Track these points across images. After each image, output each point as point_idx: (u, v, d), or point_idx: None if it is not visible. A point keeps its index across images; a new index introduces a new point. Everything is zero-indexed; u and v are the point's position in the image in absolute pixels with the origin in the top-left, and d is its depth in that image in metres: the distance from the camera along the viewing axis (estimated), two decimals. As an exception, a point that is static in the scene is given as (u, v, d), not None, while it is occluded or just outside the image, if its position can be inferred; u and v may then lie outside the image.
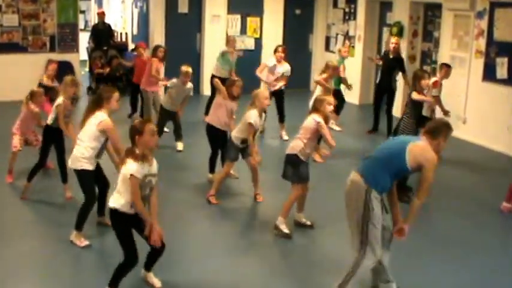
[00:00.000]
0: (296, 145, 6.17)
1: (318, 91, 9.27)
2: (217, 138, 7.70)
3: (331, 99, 6.29)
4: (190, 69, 9.06)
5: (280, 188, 6.89)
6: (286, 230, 6.17)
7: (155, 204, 4.84)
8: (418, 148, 4.60)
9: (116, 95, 5.84)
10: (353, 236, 4.72)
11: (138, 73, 11.10)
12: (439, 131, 4.70)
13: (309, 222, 6.48)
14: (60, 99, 6.86)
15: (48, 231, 6.30)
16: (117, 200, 4.70)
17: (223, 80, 9.08)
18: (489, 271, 5.62)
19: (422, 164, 4.55)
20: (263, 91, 7.30)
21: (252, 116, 6.83)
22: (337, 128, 11.22)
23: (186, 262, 5.63)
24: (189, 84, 9.13)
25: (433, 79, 8.98)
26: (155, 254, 4.95)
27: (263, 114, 7.13)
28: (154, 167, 4.77)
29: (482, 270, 5.62)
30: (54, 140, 7.03)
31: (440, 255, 5.89)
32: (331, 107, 6.21)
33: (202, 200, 7.22)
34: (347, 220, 4.81)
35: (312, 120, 6.08)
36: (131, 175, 4.55)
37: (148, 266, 5.08)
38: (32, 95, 7.47)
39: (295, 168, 6.16)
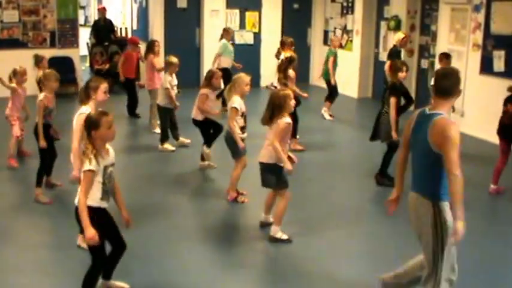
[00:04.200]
0: (272, 154, 5.77)
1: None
2: None
3: (290, 93, 5.86)
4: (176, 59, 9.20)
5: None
6: (284, 236, 5.91)
7: (120, 194, 4.70)
8: (441, 121, 3.98)
9: (104, 86, 5.55)
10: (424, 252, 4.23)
11: (126, 67, 11.21)
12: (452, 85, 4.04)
13: (271, 219, 6.17)
14: (41, 95, 6.79)
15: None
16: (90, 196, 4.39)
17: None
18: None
19: (442, 142, 3.91)
20: (244, 76, 6.90)
21: (236, 101, 6.72)
22: (328, 117, 11.44)
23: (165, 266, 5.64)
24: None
25: None
26: (117, 254, 4.70)
27: None
28: (112, 156, 4.52)
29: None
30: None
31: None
32: (293, 102, 5.86)
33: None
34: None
35: (283, 122, 5.70)
36: (87, 170, 4.31)
37: (109, 273, 4.81)
38: (15, 74, 7.84)
39: (278, 176, 5.82)
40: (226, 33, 12.14)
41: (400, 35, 11.28)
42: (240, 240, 6.24)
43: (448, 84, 4.08)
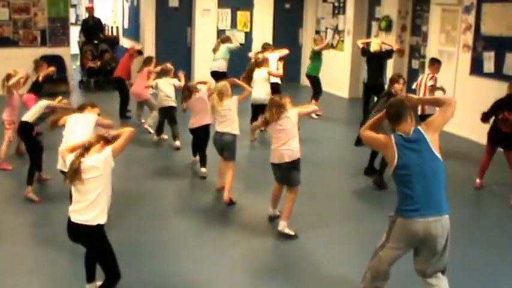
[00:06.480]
0: (293, 152, 6.03)
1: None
2: None
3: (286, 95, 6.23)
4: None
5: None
6: (291, 232, 6.06)
7: None
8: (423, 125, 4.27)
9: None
10: (436, 264, 4.24)
11: (121, 69, 11.31)
12: (404, 111, 4.25)
13: (278, 212, 6.44)
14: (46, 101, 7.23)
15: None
16: (99, 213, 4.33)
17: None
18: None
19: (436, 123, 4.24)
20: (226, 85, 7.17)
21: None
22: (315, 116, 11.50)
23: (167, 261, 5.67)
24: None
25: (429, 75, 9.19)
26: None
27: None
28: None
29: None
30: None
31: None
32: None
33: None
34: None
35: (293, 115, 6.04)
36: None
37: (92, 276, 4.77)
38: (8, 78, 7.84)
39: (299, 171, 6.12)
40: (229, 40, 12.21)
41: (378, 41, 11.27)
42: (238, 237, 6.28)
43: (394, 113, 4.26)
